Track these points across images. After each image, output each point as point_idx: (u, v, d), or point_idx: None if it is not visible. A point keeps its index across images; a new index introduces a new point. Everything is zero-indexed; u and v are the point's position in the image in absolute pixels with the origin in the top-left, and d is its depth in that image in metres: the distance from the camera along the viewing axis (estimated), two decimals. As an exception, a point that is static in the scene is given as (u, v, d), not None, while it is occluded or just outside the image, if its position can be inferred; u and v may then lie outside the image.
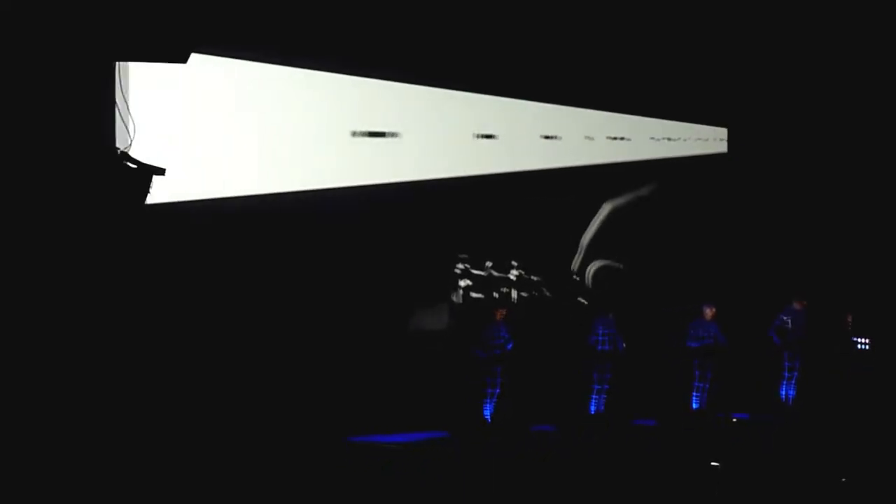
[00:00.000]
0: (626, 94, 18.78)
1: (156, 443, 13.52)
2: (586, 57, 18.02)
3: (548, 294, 18.00)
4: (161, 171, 10.60)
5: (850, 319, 17.74)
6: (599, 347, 16.94)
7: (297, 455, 14.08)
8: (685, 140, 20.12)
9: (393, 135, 16.62)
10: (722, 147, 20.53)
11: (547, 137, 18.53)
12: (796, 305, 17.68)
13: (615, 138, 19.36)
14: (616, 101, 18.90)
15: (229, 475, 13.35)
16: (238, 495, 12.94)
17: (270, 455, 13.94)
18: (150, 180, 10.58)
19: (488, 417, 16.12)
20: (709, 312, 17.40)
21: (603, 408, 16.84)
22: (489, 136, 17.90)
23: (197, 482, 13.01)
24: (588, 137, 19.03)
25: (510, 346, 16.27)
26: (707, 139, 20.40)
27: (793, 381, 17.70)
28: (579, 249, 18.78)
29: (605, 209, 18.91)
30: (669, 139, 19.86)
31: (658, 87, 18.95)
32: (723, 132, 20.49)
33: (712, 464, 14.44)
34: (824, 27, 18.96)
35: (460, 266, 17.24)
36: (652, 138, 19.78)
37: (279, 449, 14.11)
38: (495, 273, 17.60)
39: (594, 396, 16.86)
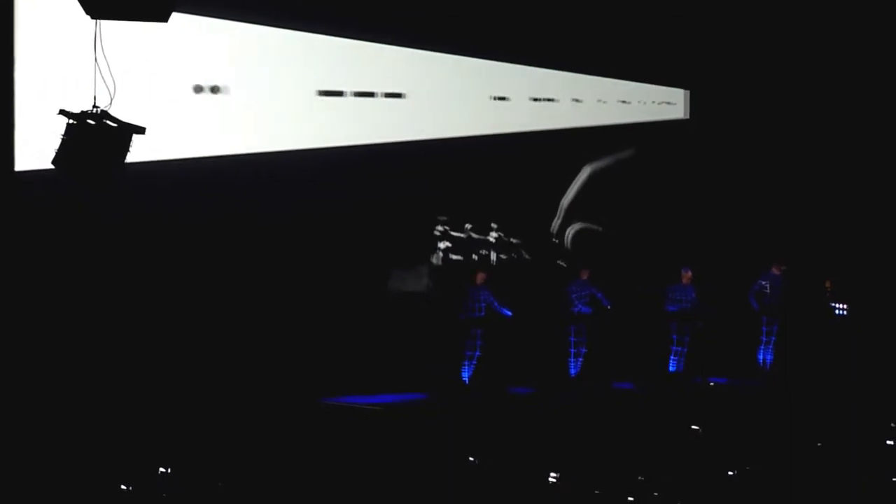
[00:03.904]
0: (586, 53, 18.57)
1: (132, 404, 13.53)
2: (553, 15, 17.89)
3: (527, 256, 17.97)
4: (142, 130, 10.50)
5: (829, 285, 17.77)
6: (575, 309, 16.91)
7: (275, 416, 14.07)
8: (647, 104, 19.85)
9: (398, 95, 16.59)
10: (681, 112, 20.24)
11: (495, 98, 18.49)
12: (775, 270, 17.68)
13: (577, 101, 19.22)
14: (576, 61, 18.69)
15: (208, 437, 13.34)
16: (217, 456, 12.93)
17: (248, 416, 13.93)
18: (130, 139, 10.48)
19: (466, 380, 16.10)
20: (685, 276, 17.34)
21: (580, 370, 16.83)
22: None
23: (177, 443, 13.01)
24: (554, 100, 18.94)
25: (509, 313, 16.20)
26: (668, 103, 20.11)
27: (770, 346, 17.73)
28: (559, 212, 18.74)
29: (584, 172, 18.87)
30: (626, 101, 19.62)
31: (620, 47, 18.72)
32: (682, 94, 20.19)
33: (692, 427, 14.50)
34: None
35: (440, 228, 17.19)
36: (610, 101, 19.57)
37: (257, 410, 14.10)
38: (475, 235, 17.55)
39: (572, 359, 16.85)
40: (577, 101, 19.02)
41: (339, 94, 16.35)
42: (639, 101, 19.62)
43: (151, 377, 13.95)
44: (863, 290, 17.89)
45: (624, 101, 19.46)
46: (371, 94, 16.61)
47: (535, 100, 18.51)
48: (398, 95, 17.23)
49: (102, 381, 13.67)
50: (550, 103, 18.73)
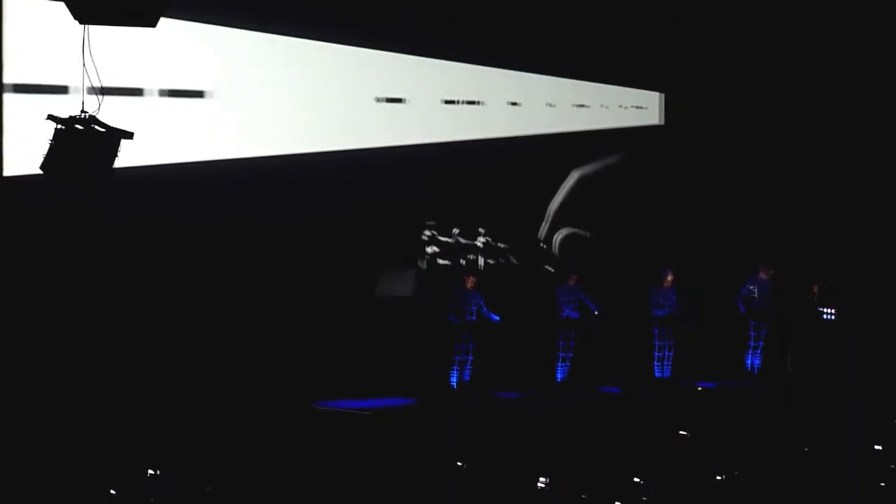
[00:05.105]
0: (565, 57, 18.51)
1: (127, 406, 13.52)
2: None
3: (514, 261, 17.97)
4: (130, 135, 10.52)
5: (815, 289, 17.80)
6: (564, 314, 16.92)
7: (266, 420, 14.06)
8: (613, 108, 19.66)
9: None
10: (655, 117, 19.97)
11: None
12: (762, 274, 17.70)
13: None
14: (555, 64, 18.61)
15: (199, 441, 13.33)
16: (208, 460, 12.93)
17: (239, 420, 13.92)
18: (118, 144, 10.50)
19: (454, 384, 16.10)
20: (667, 279, 17.31)
21: (567, 375, 16.84)
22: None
23: (169, 447, 13.00)
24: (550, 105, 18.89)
25: (496, 318, 16.18)
26: (639, 107, 19.81)
27: (758, 351, 17.74)
28: (546, 217, 18.75)
29: (572, 177, 18.88)
30: (585, 105, 19.45)
31: (595, 50, 18.64)
32: (656, 97, 19.95)
33: (680, 432, 14.51)
34: None
35: (427, 233, 17.18)
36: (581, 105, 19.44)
37: (247, 414, 14.09)
38: (462, 240, 17.54)
39: (560, 364, 16.87)
40: (513, 104, 18.87)
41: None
42: (601, 105, 19.41)
43: (146, 379, 13.95)
44: (851, 293, 17.93)
45: (581, 105, 19.27)
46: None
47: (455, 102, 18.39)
48: (399, 101, 17.28)
49: (98, 382, 13.67)
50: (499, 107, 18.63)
